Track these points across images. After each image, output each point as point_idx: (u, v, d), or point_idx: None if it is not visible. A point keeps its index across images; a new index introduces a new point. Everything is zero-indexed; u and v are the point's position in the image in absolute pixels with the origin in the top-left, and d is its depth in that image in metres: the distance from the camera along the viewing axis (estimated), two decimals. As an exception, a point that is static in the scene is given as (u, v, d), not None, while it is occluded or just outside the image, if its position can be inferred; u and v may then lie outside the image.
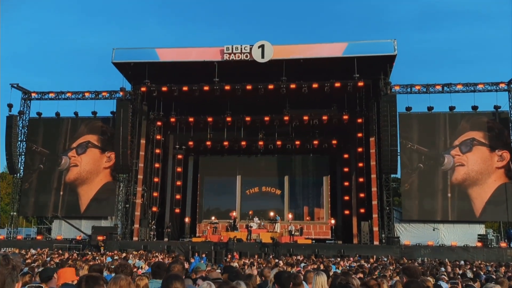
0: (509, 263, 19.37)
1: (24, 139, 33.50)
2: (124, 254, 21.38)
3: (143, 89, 30.48)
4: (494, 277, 10.05)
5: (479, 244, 27.59)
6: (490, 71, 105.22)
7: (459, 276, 10.91)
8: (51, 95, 33.65)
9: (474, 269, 14.64)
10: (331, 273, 8.22)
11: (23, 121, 33.68)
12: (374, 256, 23.40)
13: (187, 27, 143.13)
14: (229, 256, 22.86)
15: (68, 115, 33.81)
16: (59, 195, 32.48)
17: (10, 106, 32.67)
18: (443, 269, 14.38)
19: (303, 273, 7.86)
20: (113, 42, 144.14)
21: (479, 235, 28.75)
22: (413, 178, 30.07)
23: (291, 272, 6.80)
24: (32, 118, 34.00)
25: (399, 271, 6.65)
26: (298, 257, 21.62)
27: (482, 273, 12.00)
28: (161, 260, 17.77)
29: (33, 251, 22.75)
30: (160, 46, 32.75)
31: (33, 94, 33.94)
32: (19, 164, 33.10)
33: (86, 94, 33.12)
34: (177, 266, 4.93)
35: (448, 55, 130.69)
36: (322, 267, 12.65)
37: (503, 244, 27.82)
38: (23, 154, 33.36)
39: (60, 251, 23.77)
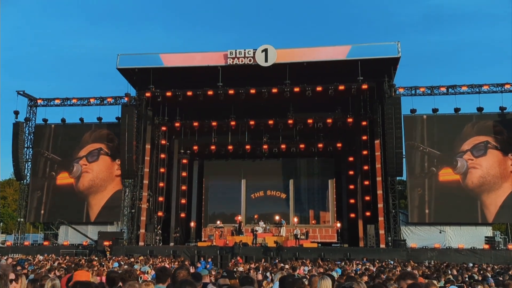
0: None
1: (31, 146, 33.71)
2: (132, 259, 21.43)
3: (147, 94, 30.65)
4: (501, 279, 9.99)
5: (487, 246, 27.36)
6: (495, 72, 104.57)
7: (466, 279, 10.86)
8: (57, 101, 33.87)
9: (482, 272, 14.56)
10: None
11: (29, 128, 33.91)
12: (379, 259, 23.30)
13: (191, 32, 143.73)
14: (232, 261, 22.76)
15: (74, 121, 34.00)
16: (71, 202, 32.39)
17: (16, 113, 33.00)
18: (450, 271, 14.31)
19: (308, 276, 7.85)
20: (117, 48, 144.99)
21: (486, 237, 28.47)
22: (426, 181, 29.59)
23: (296, 276, 6.79)
24: (38, 124, 34.19)
25: (397, 277, 6.63)
26: (304, 261, 21.53)
27: (489, 276, 11.92)
28: (166, 265, 17.80)
29: (40, 257, 22.84)
30: (164, 50, 33.07)
31: (39, 101, 34.19)
32: (26, 170, 33.30)
33: (92, 100, 33.34)
34: (182, 272, 4.94)
35: (452, 57, 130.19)
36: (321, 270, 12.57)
37: (511, 246, 27.61)
38: (30, 160, 33.55)
39: (67, 257, 23.86)
